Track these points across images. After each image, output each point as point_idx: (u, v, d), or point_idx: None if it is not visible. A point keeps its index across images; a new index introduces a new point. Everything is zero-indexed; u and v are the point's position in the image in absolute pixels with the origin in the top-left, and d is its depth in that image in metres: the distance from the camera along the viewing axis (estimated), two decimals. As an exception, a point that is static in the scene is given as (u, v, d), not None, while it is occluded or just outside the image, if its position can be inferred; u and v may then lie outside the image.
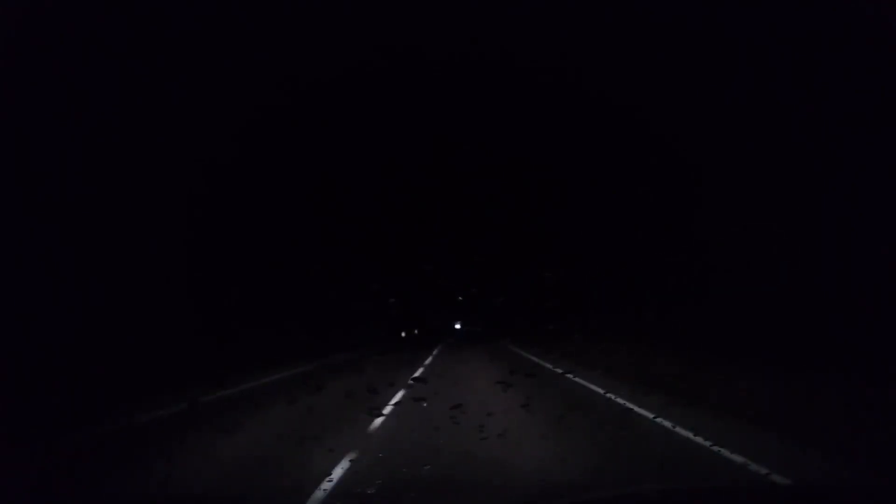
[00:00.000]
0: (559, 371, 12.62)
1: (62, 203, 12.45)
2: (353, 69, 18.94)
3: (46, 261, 11.74)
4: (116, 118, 13.71)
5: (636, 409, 7.68)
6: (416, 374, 13.86)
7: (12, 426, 7.02)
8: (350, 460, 5.56)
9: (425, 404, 8.40)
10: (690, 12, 13.68)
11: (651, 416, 7.17)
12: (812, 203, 12.07)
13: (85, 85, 12.61)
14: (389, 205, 30.28)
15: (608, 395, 9.13)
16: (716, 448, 5.54)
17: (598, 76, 18.21)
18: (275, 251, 22.29)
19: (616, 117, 19.20)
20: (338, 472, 5.19)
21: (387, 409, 8.47)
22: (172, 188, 15.97)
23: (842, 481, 4.49)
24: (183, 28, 14.32)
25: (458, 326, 46.72)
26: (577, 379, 11.52)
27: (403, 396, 9.85)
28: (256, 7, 15.17)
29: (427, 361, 17.96)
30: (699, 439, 5.89)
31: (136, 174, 14.58)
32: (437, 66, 20.20)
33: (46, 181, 11.95)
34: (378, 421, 7.63)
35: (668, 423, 6.57)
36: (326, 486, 4.81)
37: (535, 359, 17.17)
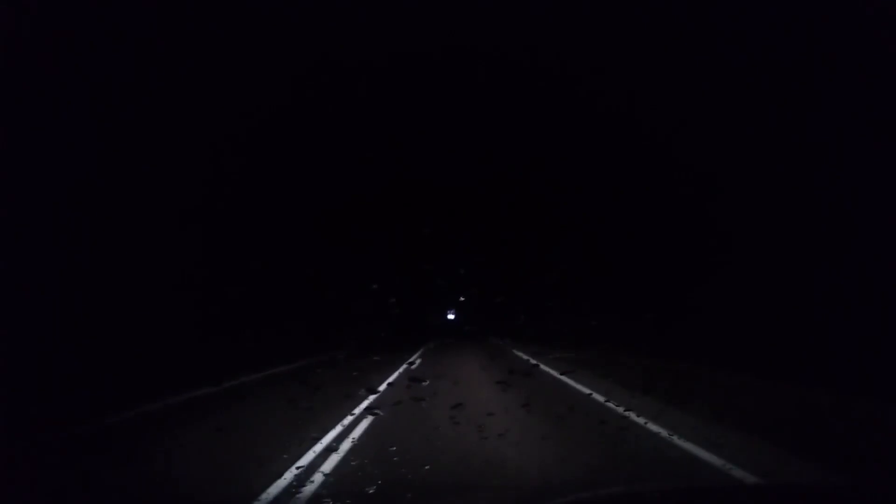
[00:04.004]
0: (559, 371, 12.62)
1: (65, 202, 12.46)
2: (354, 69, 18.95)
3: (49, 259, 11.75)
4: (118, 119, 13.71)
5: (633, 414, 7.62)
6: (416, 375, 13.85)
7: (11, 424, 7.04)
8: (350, 462, 5.56)
9: (424, 404, 8.40)
10: (691, 12, 13.69)
11: (644, 421, 7.12)
12: (812, 203, 12.07)
13: (85, 85, 12.61)
14: (391, 205, 30.27)
15: (607, 396, 9.13)
16: (709, 453, 5.53)
17: (598, 76, 18.21)
18: (275, 251, 22.29)
19: (616, 118, 19.20)
20: (333, 469, 5.20)
21: (385, 409, 8.47)
22: (173, 188, 15.98)
23: (835, 483, 4.49)
24: (184, 28, 14.32)
25: (451, 317, 45.81)
26: (577, 380, 11.51)
27: (403, 396, 9.84)
28: (257, 7, 15.17)
29: (421, 361, 17.96)
30: (692, 445, 5.86)
31: (138, 174, 14.58)
32: (439, 65, 20.20)
33: (50, 180, 11.96)
34: (376, 419, 7.64)
35: (664, 431, 6.51)
36: (324, 482, 4.83)
37: (534, 360, 17.18)
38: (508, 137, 25.70)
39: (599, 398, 9.04)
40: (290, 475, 5.13)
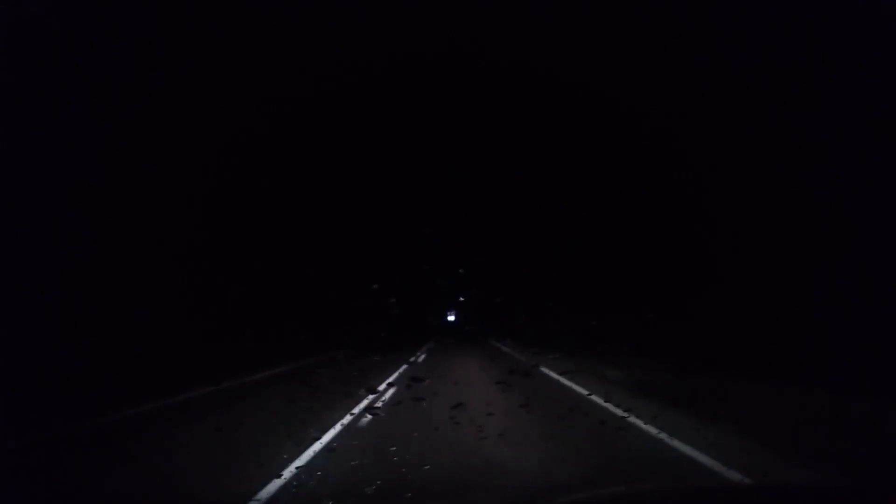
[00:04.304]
0: (559, 372, 12.62)
1: (65, 202, 12.46)
2: (354, 69, 18.95)
3: (49, 259, 11.75)
4: (118, 118, 13.71)
5: (633, 415, 7.57)
6: (416, 375, 13.85)
7: (11, 424, 7.05)
8: (350, 462, 5.56)
9: (424, 404, 8.40)
10: (691, 12, 13.70)
11: (644, 422, 7.08)
12: (812, 203, 12.07)
13: (85, 85, 12.61)
14: (391, 205, 30.27)
15: (606, 397, 9.11)
16: (709, 454, 5.50)
17: (598, 76, 18.21)
18: (275, 251, 22.30)
19: (616, 118, 19.21)
20: (333, 469, 5.20)
21: (385, 409, 8.47)
22: (173, 188, 15.98)
23: (834, 483, 4.48)
24: (184, 28, 14.32)
25: (451, 317, 45.88)
26: (576, 380, 11.51)
27: (403, 396, 9.85)
28: (257, 7, 15.18)
29: (421, 361, 17.96)
30: (691, 446, 5.83)
31: (137, 174, 14.59)
32: (439, 65, 20.20)
33: (50, 180, 11.97)
34: (376, 419, 7.64)
35: (664, 432, 6.47)
36: (323, 482, 4.84)
37: (534, 360, 17.17)
38: (508, 137, 25.71)
39: (599, 399, 9.03)
40: (289, 474, 5.13)
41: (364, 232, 28.99)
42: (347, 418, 7.63)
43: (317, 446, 6.11)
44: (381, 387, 11.03)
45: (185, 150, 16.19)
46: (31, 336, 10.02)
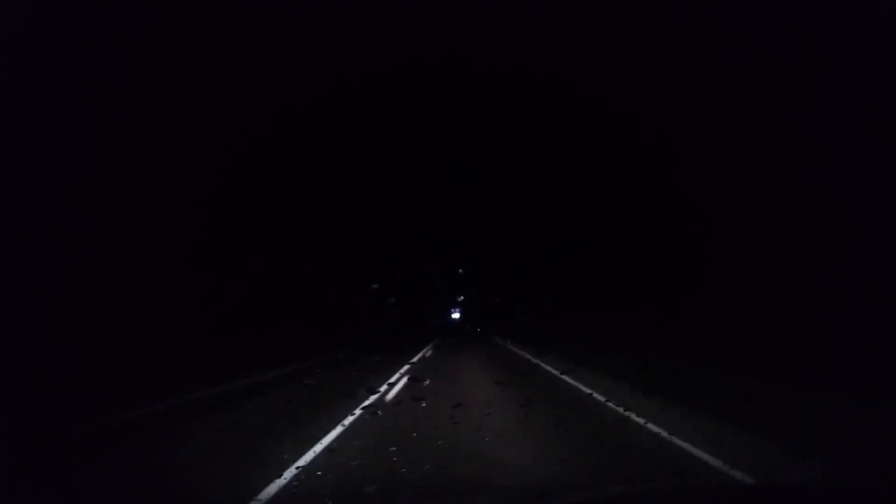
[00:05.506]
0: (559, 371, 12.61)
1: (65, 202, 12.46)
2: (354, 70, 18.96)
3: (49, 259, 11.75)
4: (118, 118, 13.71)
5: (634, 414, 7.55)
6: (416, 375, 13.85)
7: (12, 425, 7.04)
8: (350, 462, 5.56)
9: (424, 404, 8.40)
10: (691, 12, 13.70)
11: (645, 421, 7.05)
12: (812, 203, 12.07)
13: (85, 85, 12.61)
14: (391, 205, 30.27)
15: (607, 396, 9.11)
16: (709, 454, 5.50)
17: (598, 76, 18.22)
18: (275, 251, 22.31)
19: (616, 118, 19.21)
20: (333, 469, 5.20)
21: (385, 409, 8.47)
22: (173, 189, 15.98)
23: (834, 483, 4.47)
24: (184, 29, 14.32)
25: (451, 317, 46.16)
26: (577, 379, 11.50)
27: (403, 396, 9.84)
28: (257, 8, 15.18)
29: (421, 361, 17.97)
30: (692, 445, 5.83)
31: (138, 174, 14.59)
32: (439, 66, 20.21)
33: (50, 180, 11.96)
34: (376, 419, 7.64)
35: (665, 431, 6.43)
36: (324, 482, 4.84)
37: (534, 360, 17.18)
38: (508, 137, 25.71)
39: (600, 398, 9.02)
40: (289, 475, 5.13)
41: (364, 232, 29.01)
42: (348, 419, 7.63)
43: (317, 447, 6.11)
44: (382, 387, 11.03)
45: (185, 151, 16.19)
46: (31, 336, 10.02)
